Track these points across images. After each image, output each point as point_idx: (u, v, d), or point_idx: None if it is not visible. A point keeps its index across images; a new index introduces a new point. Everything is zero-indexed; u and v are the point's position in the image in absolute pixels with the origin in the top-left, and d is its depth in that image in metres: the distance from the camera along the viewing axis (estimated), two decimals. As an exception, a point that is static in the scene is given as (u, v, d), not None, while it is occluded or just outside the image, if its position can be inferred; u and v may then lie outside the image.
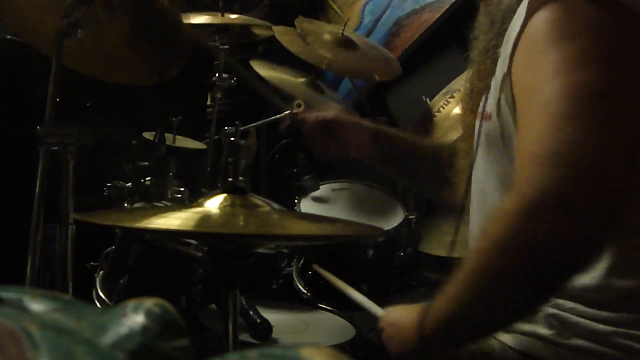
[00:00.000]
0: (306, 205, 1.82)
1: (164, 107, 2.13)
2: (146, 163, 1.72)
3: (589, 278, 0.83)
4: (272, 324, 1.23)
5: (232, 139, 0.92)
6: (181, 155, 1.95)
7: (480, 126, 0.93)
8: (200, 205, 0.86)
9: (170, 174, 1.72)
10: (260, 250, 1.43)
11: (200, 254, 1.36)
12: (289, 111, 2.18)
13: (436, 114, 1.97)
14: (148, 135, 1.88)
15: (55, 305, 0.38)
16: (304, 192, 1.83)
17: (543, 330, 0.86)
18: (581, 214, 0.66)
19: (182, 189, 1.73)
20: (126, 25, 1.36)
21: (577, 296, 0.84)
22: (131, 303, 0.38)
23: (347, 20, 2.14)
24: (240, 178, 0.87)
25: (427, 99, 2.05)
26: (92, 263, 1.63)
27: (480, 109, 0.94)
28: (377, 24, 2.87)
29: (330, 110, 1.28)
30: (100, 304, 1.49)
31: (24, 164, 1.50)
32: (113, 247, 1.60)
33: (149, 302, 0.38)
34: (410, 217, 1.79)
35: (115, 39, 1.38)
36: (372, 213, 1.84)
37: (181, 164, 1.80)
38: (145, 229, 0.99)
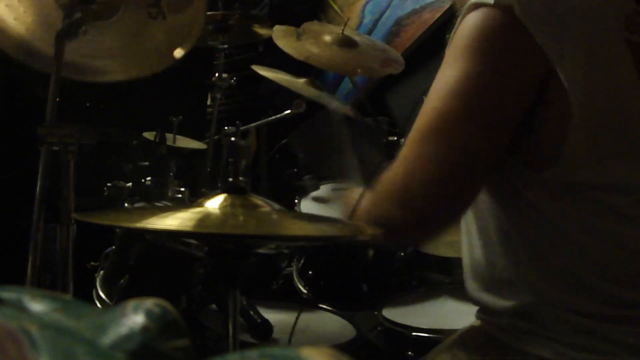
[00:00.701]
0: (306, 205, 1.82)
1: (164, 107, 2.14)
2: (146, 163, 1.72)
3: (597, 285, 0.84)
4: (272, 324, 1.23)
5: (232, 139, 0.92)
6: (181, 155, 1.95)
7: None
8: (201, 205, 0.86)
9: (171, 174, 1.72)
10: (260, 250, 1.43)
11: (200, 254, 1.36)
12: (289, 111, 2.19)
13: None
14: (148, 135, 1.88)
15: (55, 305, 0.38)
16: (304, 192, 1.83)
17: (544, 329, 0.86)
18: (417, 211, 0.86)
19: (182, 189, 1.73)
20: (135, 14, 1.32)
21: (580, 297, 0.85)
22: (131, 303, 0.38)
23: (348, 20, 2.14)
24: (240, 178, 0.87)
25: (427, 99, 2.05)
26: (93, 263, 1.64)
27: None
28: (377, 24, 2.87)
29: None
30: (100, 304, 1.49)
31: (24, 164, 1.50)
32: (113, 247, 1.61)
33: (149, 302, 0.38)
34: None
35: (122, 32, 1.35)
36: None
37: (181, 164, 1.80)
38: (146, 229, 0.99)
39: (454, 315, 1.43)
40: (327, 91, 2.32)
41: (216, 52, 2.27)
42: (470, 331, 1.02)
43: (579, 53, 0.79)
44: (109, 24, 1.32)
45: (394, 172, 0.88)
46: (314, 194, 1.85)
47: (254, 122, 2.23)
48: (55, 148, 1.20)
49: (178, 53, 1.41)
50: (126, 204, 1.64)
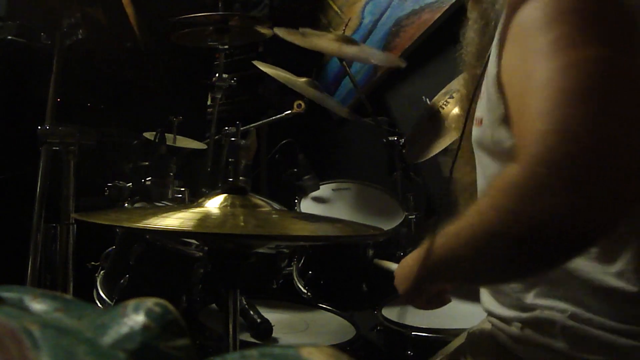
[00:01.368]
0: (306, 205, 1.82)
1: (164, 108, 2.14)
2: (147, 163, 1.72)
3: (615, 286, 0.79)
4: (272, 324, 1.23)
5: (232, 139, 0.93)
6: (182, 155, 1.95)
7: (474, 131, 0.92)
8: (201, 205, 0.86)
9: (171, 174, 1.72)
10: (260, 250, 1.43)
11: (200, 254, 1.36)
12: (289, 111, 2.19)
13: (436, 114, 1.97)
14: (149, 135, 1.88)
15: (56, 304, 0.38)
16: (304, 192, 1.84)
17: (558, 344, 0.81)
18: (592, 192, 0.63)
19: (182, 189, 1.73)
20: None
21: (599, 307, 0.80)
22: (132, 303, 0.38)
23: (348, 21, 2.14)
24: (240, 178, 0.88)
25: (427, 99, 2.05)
26: (93, 263, 1.64)
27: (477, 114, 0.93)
28: (377, 24, 2.87)
29: None
30: (100, 304, 1.49)
31: (25, 164, 1.50)
32: (114, 247, 1.61)
33: (150, 302, 0.38)
34: (410, 217, 1.80)
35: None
36: (372, 213, 1.84)
37: (182, 164, 1.80)
38: (146, 229, 0.99)
39: (453, 315, 1.43)
40: (326, 91, 2.32)
41: (216, 53, 2.27)
42: (478, 336, 1.00)
43: None
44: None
45: (543, 150, 0.65)
46: (314, 194, 1.85)
47: (254, 122, 2.24)
48: (55, 148, 1.20)
49: None
50: (126, 204, 1.65)
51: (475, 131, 0.91)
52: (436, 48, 2.59)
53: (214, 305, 1.31)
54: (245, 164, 0.90)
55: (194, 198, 1.66)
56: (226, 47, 2.19)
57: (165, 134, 1.81)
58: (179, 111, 2.09)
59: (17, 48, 2.13)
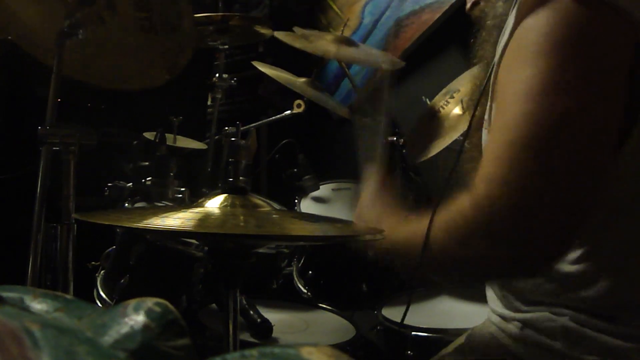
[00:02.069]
0: (306, 205, 1.82)
1: (164, 108, 2.14)
2: (147, 163, 1.72)
3: (603, 292, 0.80)
4: (272, 324, 1.23)
5: (232, 139, 0.93)
6: (182, 156, 1.96)
7: (484, 134, 0.93)
8: (201, 205, 0.86)
9: (171, 174, 1.72)
10: (260, 250, 1.43)
11: (200, 254, 1.36)
12: (289, 111, 2.19)
13: (436, 114, 1.97)
14: (149, 135, 1.88)
15: (57, 304, 0.39)
16: (304, 192, 1.84)
17: (557, 344, 0.83)
18: (517, 243, 0.70)
19: (182, 189, 1.73)
20: (131, 23, 1.35)
21: (595, 310, 0.81)
22: (132, 302, 0.38)
23: (347, 21, 2.14)
24: (241, 178, 0.88)
25: (427, 99, 2.05)
26: (93, 263, 1.64)
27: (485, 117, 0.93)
28: (377, 25, 2.87)
29: None
30: (101, 304, 1.49)
31: (25, 164, 1.50)
32: (114, 246, 1.61)
33: (150, 302, 0.38)
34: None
35: (121, 42, 1.37)
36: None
37: (182, 164, 1.80)
38: (146, 229, 0.99)
39: (453, 314, 1.43)
40: (326, 91, 2.32)
41: (216, 53, 2.27)
42: (479, 336, 1.00)
43: None
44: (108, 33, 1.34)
45: (485, 195, 0.71)
46: (314, 194, 1.85)
47: (254, 122, 2.24)
48: (55, 148, 1.20)
49: (164, 77, 1.43)
50: (126, 204, 1.65)
51: (485, 134, 0.91)
52: (436, 48, 2.59)
53: (214, 305, 1.31)
54: (245, 164, 0.90)
55: (194, 198, 1.66)
56: (226, 47, 2.20)
57: (165, 134, 1.81)
58: (179, 111, 2.09)
59: (17, 48, 2.12)
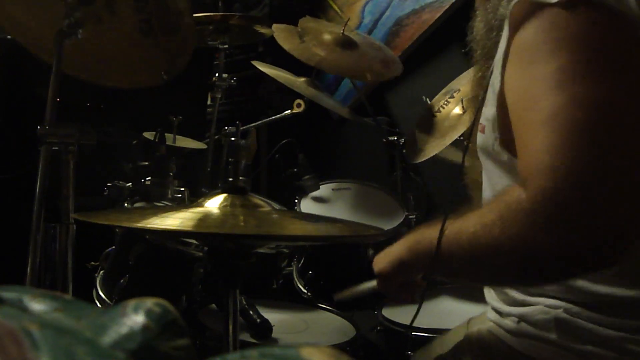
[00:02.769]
0: (306, 205, 1.82)
1: (164, 107, 2.13)
2: (146, 163, 1.72)
3: (598, 284, 0.82)
4: (272, 324, 1.23)
5: (232, 139, 0.92)
6: (181, 155, 1.95)
7: (479, 137, 0.93)
8: (201, 205, 0.86)
9: (171, 173, 1.72)
10: (260, 250, 1.43)
11: (200, 254, 1.36)
12: (289, 111, 2.19)
13: (436, 114, 1.97)
14: (148, 135, 1.88)
15: (56, 304, 0.38)
16: (304, 192, 1.83)
17: (551, 335, 0.85)
18: (596, 229, 0.67)
19: (182, 189, 1.73)
20: (130, 23, 1.35)
21: (587, 302, 0.84)
22: (131, 303, 0.38)
23: (348, 20, 2.14)
24: (240, 178, 0.88)
25: (427, 99, 2.05)
26: (93, 263, 1.64)
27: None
28: (377, 24, 2.87)
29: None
30: (100, 304, 1.49)
31: (24, 164, 1.50)
32: (113, 247, 1.61)
33: (149, 302, 0.38)
34: (410, 217, 1.80)
35: (120, 40, 1.38)
36: (372, 213, 1.84)
37: (181, 163, 1.80)
38: (146, 229, 0.99)
39: (453, 315, 1.43)
40: (326, 91, 2.32)
41: (216, 52, 2.27)
42: (477, 332, 1.01)
43: None
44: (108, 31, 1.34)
45: (549, 187, 0.68)
46: (314, 194, 1.85)
47: (254, 122, 2.24)
48: (55, 148, 1.20)
49: (161, 78, 1.43)
50: (126, 204, 1.65)
51: (480, 137, 0.92)
52: (436, 48, 2.59)
53: (214, 305, 1.31)
54: (245, 164, 0.90)
55: (194, 198, 1.66)
56: (226, 46, 2.20)
57: (165, 134, 1.81)
58: (179, 111, 2.09)
59: (17, 48, 2.12)
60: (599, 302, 0.83)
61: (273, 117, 2.24)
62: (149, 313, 0.37)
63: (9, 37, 2.13)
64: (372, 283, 1.05)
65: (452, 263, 0.81)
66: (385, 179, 2.07)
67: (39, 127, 1.18)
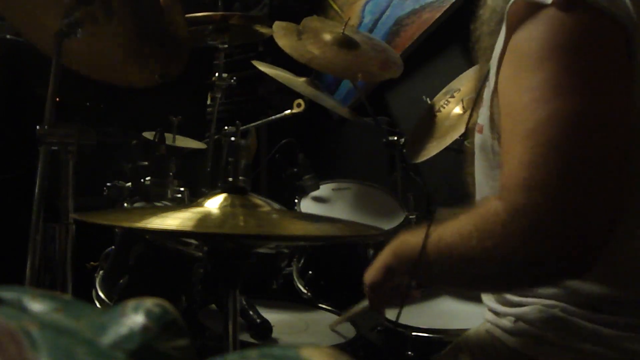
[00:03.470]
0: (306, 205, 1.82)
1: (164, 107, 2.13)
2: (146, 163, 1.72)
3: (593, 285, 0.83)
4: (272, 324, 1.23)
5: (232, 138, 0.92)
6: (181, 155, 1.95)
7: (476, 137, 0.94)
8: (200, 205, 0.86)
9: (170, 173, 1.72)
10: (260, 250, 1.43)
11: (200, 254, 1.36)
12: (289, 111, 2.19)
13: (436, 113, 1.97)
14: (148, 135, 1.88)
15: (55, 305, 0.38)
16: (304, 192, 1.83)
17: (549, 334, 0.86)
18: (568, 243, 0.71)
19: (182, 189, 1.73)
20: (126, 27, 1.36)
21: (583, 301, 0.84)
22: (131, 303, 0.38)
23: (348, 20, 2.14)
24: (240, 178, 0.87)
25: (427, 99, 2.05)
26: (92, 263, 1.64)
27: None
28: (377, 24, 2.87)
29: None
30: (100, 304, 1.49)
31: (24, 164, 1.50)
32: (113, 247, 1.61)
33: (149, 302, 0.38)
34: (410, 217, 1.80)
35: (116, 41, 1.38)
36: (372, 213, 1.84)
37: (181, 163, 1.80)
38: (145, 229, 0.99)
39: (453, 315, 1.43)
40: (326, 91, 2.32)
41: (216, 52, 2.27)
42: (475, 332, 1.02)
43: None
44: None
45: (526, 202, 0.71)
46: (314, 193, 1.85)
47: (254, 122, 2.24)
48: (54, 148, 1.20)
49: (156, 80, 1.44)
50: (126, 204, 1.64)
51: (477, 137, 0.92)
52: (436, 48, 2.59)
53: (214, 305, 1.31)
54: (245, 164, 0.90)
55: (194, 198, 1.66)
56: (226, 46, 2.19)
57: (165, 134, 1.81)
58: (179, 111, 2.09)
59: (17, 47, 2.12)
60: (593, 300, 0.83)
61: (273, 117, 2.24)
62: (148, 313, 0.37)
63: (9, 37, 2.13)
64: (364, 303, 1.05)
65: (433, 269, 0.83)
66: (385, 179, 2.07)
67: (38, 127, 1.18)
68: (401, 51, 2.68)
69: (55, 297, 0.39)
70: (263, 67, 1.98)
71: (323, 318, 1.43)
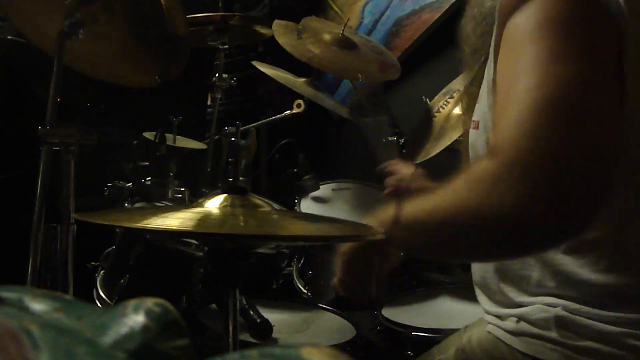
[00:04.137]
0: (306, 205, 1.82)
1: (164, 108, 2.14)
2: (147, 163, 1.72)
3: (594, 274, 0.83)
4: (272, 324, 1.23)
5: (232, 139, 0.92)
6: (181, 155, 1.96)
7: (471, 134, 0.94)
8: (201, 205, 0.86)
9: (171, 174, 1.73)
10: (260, 250, 1.43)
11: (200, 254, 1.36)
12: (289, 111, 2.19)
13: (436, 114, 1.97)
14: (149, 135, 1.88)
15: (56, 305, 0.38)
16: (304, 192, 1.84)
17: (552, 334, 0.86)
18: (560, 198, 0.69)
19: (182, 189, 1.73)
20: (126, 28, 1.36)
21: (585, 295, 0.84)
22: (131, 303, 0.38)
23: (348, 21, 2.14)
24: (240, 178, 0.88)
25: (427, 99, 2.05)
26: (93, 263, 1.64)
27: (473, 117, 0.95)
28: (377, 24, 2.87)
29: None
30: (100, 304, 1.49)
31: (25, 164, 1.50)
32: (114, 247, 1.61)
33: (150, 302, 0.38)
34: (410, 217, 1.79)
35: (116, 41, 1.38)
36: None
37: (181, 164, 1.80)
38: (146, 229, 0.99)
39: (453, 315, 1.43)
40: (326, 91, 2.32)
41: (216, 53, 2.27)
42: (476, 335, 1.02)
43: None
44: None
45: (516, 154, 0.71)
46: (314, 194, 1.85)
47: (254, 122, 2.24)
48: (55, 148, 1.20)
49: (155, 81, 1.44)
50: (126, 204, 1.65)
51: (472, 134, 0.92)
52: (436, 48, 2.59)
53: (214, 305, 1.31)
54: (245, 164, 0.90)
55: (194, 198, 1.66)
56: (226, 47, 2.20)
57: (165, 134, 1.81)
58: (179, 111, 2.09)
59: (17, 48, 2.13)
60: (596, 294, 0.83)
61: (273, 117, 2.24)
62: (149, 313, 0.37)
63: (9, 37, 2.14)
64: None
65: (425, 233, 0.81)
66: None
67: (39, 127, 1.18)
68: (401, 52, 2.68)
69: (56, 297, 0.39)
70: (263, 68, 1.98)
71: (323, 318, 1.43)
